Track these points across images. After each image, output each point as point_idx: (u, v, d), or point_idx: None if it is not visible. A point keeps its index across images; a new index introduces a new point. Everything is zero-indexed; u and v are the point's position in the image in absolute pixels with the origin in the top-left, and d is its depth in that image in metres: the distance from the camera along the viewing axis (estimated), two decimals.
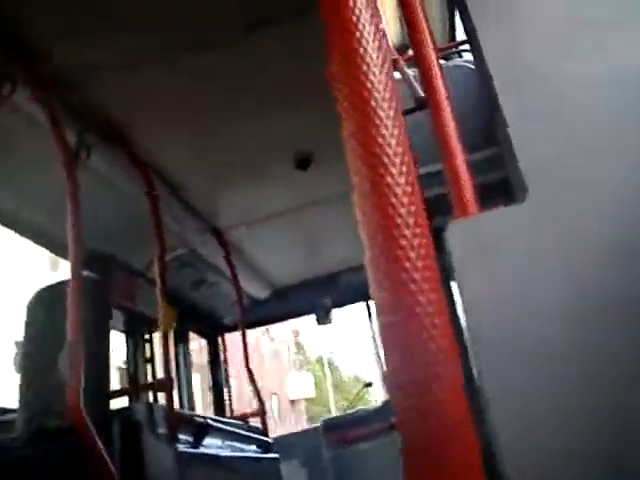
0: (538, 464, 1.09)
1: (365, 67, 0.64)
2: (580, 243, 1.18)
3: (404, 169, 0.61)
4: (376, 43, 0.66)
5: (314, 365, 33.62)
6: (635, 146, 1.23)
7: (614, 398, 1.11)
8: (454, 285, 1.25)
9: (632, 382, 1.11)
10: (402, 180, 0.60)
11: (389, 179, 0.59)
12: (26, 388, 2.47)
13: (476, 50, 1.34)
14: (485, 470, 0.56)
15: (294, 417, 28.22)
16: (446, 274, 1.26)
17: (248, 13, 2.42)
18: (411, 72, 2.05)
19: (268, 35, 2.52)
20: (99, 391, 2.49)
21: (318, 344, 33.11)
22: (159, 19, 2.36)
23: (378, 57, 0.65)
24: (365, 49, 0.66)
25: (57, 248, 3.31)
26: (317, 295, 5.21)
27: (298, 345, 33.63)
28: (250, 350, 4.37)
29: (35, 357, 2.53)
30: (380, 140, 0.62)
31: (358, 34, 0.66)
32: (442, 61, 3.05)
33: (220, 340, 5.26)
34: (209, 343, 5.25)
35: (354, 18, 0.66)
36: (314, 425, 5.61)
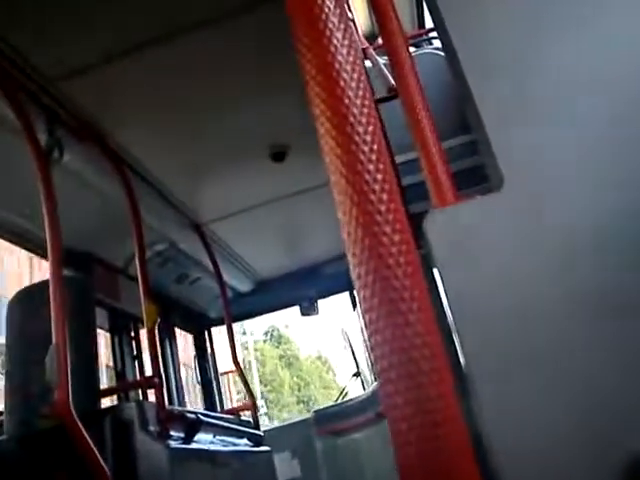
0: (525, 449, 1.11)
1: (330, 57, 0.64)
2: (557, 230, 1.20)
3: (375, 157, 0.61)
4: (342, 31, 0.65)
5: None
6: (610, 133, 1.25)
7: (599, 381, 1.13)
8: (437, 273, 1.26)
9: (617, 368, 1.13)
10: (375, 173, 0.60)
11: (366, 175, 0.60)
12: (12, 390, 2.46)
13: (444, 36, 1.34)
14: (476, 455, 0.58)
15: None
16: (428, 263, 1.28)
17: (218, 3, 2.40)
18: (382, 61, 2.06)
19: (241, 26, 2.50)
20: (88, 390, 2.49)
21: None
22: (127, 13, 2.34)
23: (344, 46, 0.65)
24: (330, 38, 0.65)
25: (36, 248, 3.29)
26: (301, 286, 5.23)
27: None
28: None
29: (20, 359, 2.52)
30: (349, 130, 0.62)
31: (322, 24, 0.65)
32: (413, 49, 3.06)
33: (207, 334, 5.26)
34: (195, 338, 5.25)
35: (318, 7, 0.66)
36: (305, 416, 5.63)
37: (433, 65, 2.24)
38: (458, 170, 1.97)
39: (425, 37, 3.43)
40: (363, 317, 0.59)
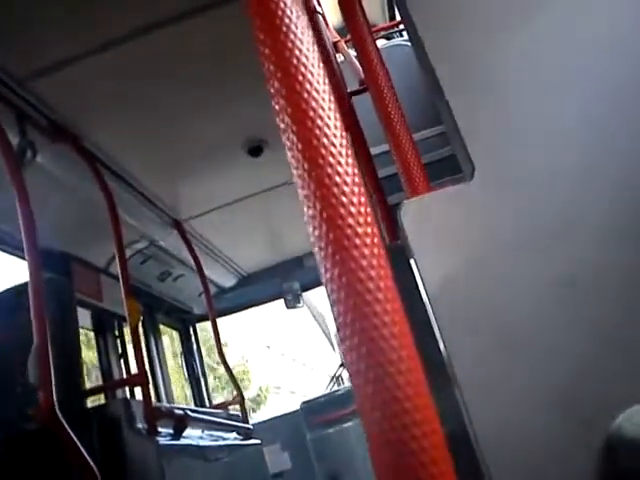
0: (510, 440, 1.13)
1: (287, 52, 0.63)
2: (527, 216, 1.23)
3: (342, 151, 0.62)
4: (300, 26, 0.65)
5: None
6: (577, 120, 1.27)
7: (580, 366, 1.15)
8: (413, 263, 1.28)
9: (589, 346, 1.16)
10: (337, 165, 0.60)
11: (328, 168, 0.60)
12: None
13: (410, 27, 1.35)
14: (452, 453, 0.58)
15: None
16: (404, 252, 1.29)
17: None
18: (353, 53, 2.06)
19: (211, 21, 2.49)
20: (73, 390, 2.49)
21: None
22: (95, 10, 2.31)
23: (303, 40, 0.64)
24: (287, 33, 0.65)
25: (14, 250, 3.26)
26: (284, 279, 5.24)
27: None
28: None
29: (1, 361, 2.51)
30: (310, 124, 0.62)
31: (278, 19, 0.64)
32: (384, 41, 3.06)
33: (192, 330, 5.26)
34: (181, 335, 5.25)
35: (274, 3, 0.66)
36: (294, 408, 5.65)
37: (404, 57, 2.25)
38: (432, 161, 1.98)
39: (396, 29, 3.43)
40: (331, 310, 0.60)
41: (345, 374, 7.41)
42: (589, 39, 1.31)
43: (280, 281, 5.25)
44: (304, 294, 5.57)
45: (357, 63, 1.86)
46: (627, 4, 1.31)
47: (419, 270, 1.24)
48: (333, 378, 6.59)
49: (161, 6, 2.38)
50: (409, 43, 2.22)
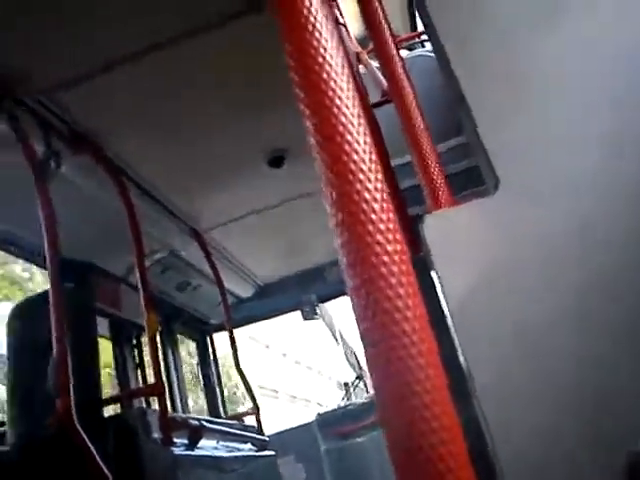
0: (529, 455, 1.11)
1: (317, 67, 0.63)
2: (552, 231, 1.21)
3: (372, 167, 0.61)
4: (329, 38, 0.64)
5: None
6: (604, 133, 1.25)
7: (595, 375, 1.14)
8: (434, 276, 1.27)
9: (611, 359, 1.14)
10: (367, 182, 0.60)
11: (357, 185, 0.60)
12: (14, 401, 2.47)
13: (434, 39, 1.34)
14: (475, 469, 0.57)
15: None
16: (426, 265, 1.28)
17: (212, 11, 2.40)
18: (376, 65, 2.06)
19: (235, 32, 2.50)
20: (91, 399, 2.49)
21: None
22: (120, 22, 2.33)
23: (332, 54, 0.64)
24: (316, 47, 0.64)
25: (36, 259, 3.29)
26: (302, 291, 5.23)
27: None
28: None
29: (21, 370, 2.52)
30: (339, 140, 0.61)
31: (307, 33, 0.64)
32: (405, 51, 3.06)
33: (209, 341, 5.26)
34: (198, 345, 5.25)
35: (303, 16, 0.65)
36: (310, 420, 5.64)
37: (427, 67, 2.24)
38: (455, 172, 1.97)
39: (418, 40, 3.43)
40: (358, 326, 0.60)
41: (361, 385, 7.38)
42: (615, 46, 1.29)
43: (298, 292, 5.24)
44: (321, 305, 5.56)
45: (379, 74, 1.85)
46: None
47: (441, 283, 1.23)
48: (346, 387, 6.59)
49: (182, 19, 2.40)
50: (431, 54, 2.22)
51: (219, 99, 2.91)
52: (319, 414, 5.64)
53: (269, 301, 5.32)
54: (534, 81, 1.30)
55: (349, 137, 0.62)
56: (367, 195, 0.61)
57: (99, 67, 2.50)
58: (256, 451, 3.84)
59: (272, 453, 4.02)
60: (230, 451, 3.46)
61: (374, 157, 0.63)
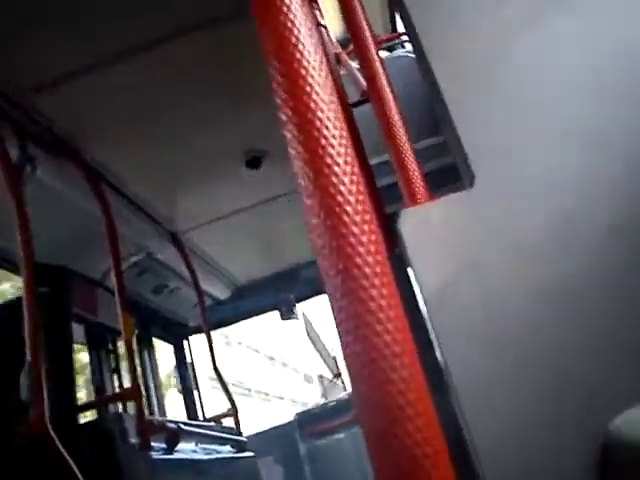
0: (506, 445, 1.13)
1: (296, 63, 0.64)
2: (528, 226, 1.23)
3: (348, 160, 0.62)
4: (307, 38, 0.65)
5: None
6: (578, 130, 1.27)
7: (576, 374, 1.15)
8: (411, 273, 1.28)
9: (588, 350, 1.16)
10: (342, 175, 0.61)
11: (333, 178, 0.60)
12: None
13: (414, 39, 1.35)
14: (453, 456, 0.58)
15: None
16: (403, 262, 1.29)
17: (187, 15, 2.39)
18: (355, 65, 2.07)
19: (211, 35, 2.49)
20: (66, 405, 2.47)
21: None
22: (95, 26, 2.32)
23: (310, 52, 0.65)
24: (295, 44, 0.65)
25: (8, 264, 3.24)
26: (279, 291, 5.24)
27: None
28: None
29: None
30: (316, 134, 0.62)
31: (287, 31, 0.65)
32: (385, 52, 3.08)
33: (186, 344, 5.23)
34: (175, 348, 5.22)
35: (282, 15, 0.66)
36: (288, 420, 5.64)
37: (406, 68, 2.26)
38: (433, 170, 1.99)
39: (398, 41, 3.46)
40: (334, 320, 0.60)
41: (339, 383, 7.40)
42: (594, 42, 1.32)
43: (275, 293, 5.24)
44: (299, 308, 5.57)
45: (358, 74, 1.86)
46: (627, 10, 1.31)
47: (417, 278, 1.24)
48: (321, 380, 6.64)
49: (160, 22, 2.39)
50: (411, 54, 2.24)
51: (197, 102, 2.90)
52: (297, 414, 5.65)
53: (247, 302, 5.31)
54: (512, 78, 1.32)
55: (326, 133, 0.62)
56: (342, 188, 0.61)
57: (75, 70, 2.48)
58: (235, 452, 3.83)
59: (251, 454, 4.02)
60: (209, 453, 3.45)
61: (350, 152, 0.64)
